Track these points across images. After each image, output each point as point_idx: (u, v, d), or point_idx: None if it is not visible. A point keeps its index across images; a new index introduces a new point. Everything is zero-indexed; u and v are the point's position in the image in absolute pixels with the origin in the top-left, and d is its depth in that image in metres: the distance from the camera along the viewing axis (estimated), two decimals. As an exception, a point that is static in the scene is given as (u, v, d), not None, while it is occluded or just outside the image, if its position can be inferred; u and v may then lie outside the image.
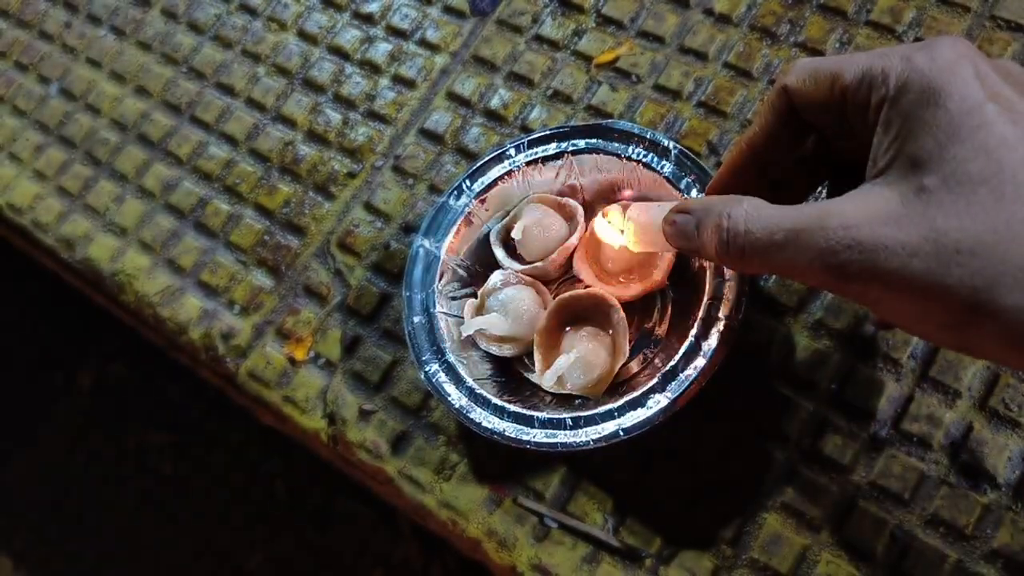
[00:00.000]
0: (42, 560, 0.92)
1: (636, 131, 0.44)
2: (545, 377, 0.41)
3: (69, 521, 0.93)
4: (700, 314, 0.40)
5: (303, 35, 0.61)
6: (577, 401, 0.42)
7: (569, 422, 0.40)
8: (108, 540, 0.91)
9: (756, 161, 0.36)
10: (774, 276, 0.44)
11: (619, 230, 0.41)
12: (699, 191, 0.42)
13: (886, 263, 0.28)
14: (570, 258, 0.45)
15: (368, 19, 0.60)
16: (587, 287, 0.44)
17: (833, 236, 0.28)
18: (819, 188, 0.39)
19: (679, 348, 0.39)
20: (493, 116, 0.54)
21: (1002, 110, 0.27)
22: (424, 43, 0.57)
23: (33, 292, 0.86)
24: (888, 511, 0.39)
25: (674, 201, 0.39)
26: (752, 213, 0.31)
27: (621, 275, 0.44)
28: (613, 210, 0.42)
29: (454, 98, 0.55)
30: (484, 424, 0.41)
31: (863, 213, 0.28)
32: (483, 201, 0.46)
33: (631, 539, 0.42)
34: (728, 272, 0.40)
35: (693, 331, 0.39)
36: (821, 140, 0.36)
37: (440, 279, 0.45)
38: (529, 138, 0.46)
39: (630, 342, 0.43)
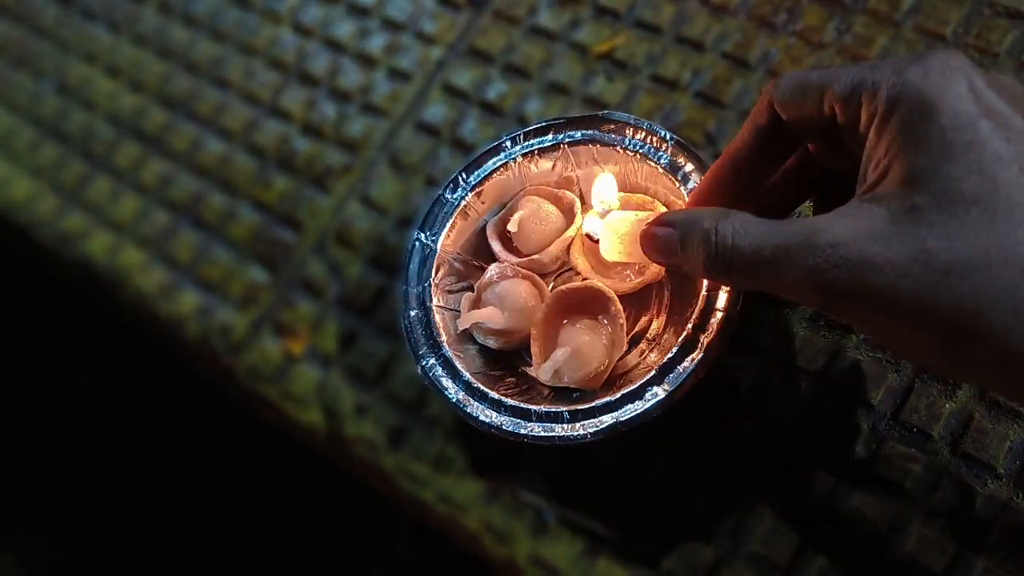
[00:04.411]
0: (43, 555, 0.92)
1: (633, 122, 0.44)
2: (542, 370, 0.41)
3: (68, 516, 0.93)
4: (698, 306, 0.39)
5: (298, 28, 0.60)
6: (575, 394, 0.42)
7: (567, 415, 0.39)
8: (108, 535, 0.91)
9: (740, 174, 0.36)
10: None
11: (594, 240, 0.41)
12: (696, 181, 0.42)
13: (874, 283, 0.27)
14: (567, 250, 0.45)
15: (363, 11, 0.59)
16: (584, 280, 0.44)
17: (821, 254, 0.28)
18: (805, 202, 0.39)
19: (677, 341, 0.39)
20: (489, 108, 0.53)
21: (996, 127, 0.27)
22: (420, 35, 0.57)
23: (29, 289, 0.86)
24: (888, 503, 0.39)
25: (651, 212, 0.39)
26: (739, 228, 0.31)
27: (618, 267, 0.44)
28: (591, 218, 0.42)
29: (450, 90, 0.55)
30: (481, 418, 0.41)
31: (852, 231, 0.28)
32: (479, 194, 0.46)
33: (630, 532, 0.42)
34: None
35: (691, 323, 0.39)
36: (807, 153, 0.36)
37: (437, 273, 0.45)
38: (525, 130, 0.46)
39: (627, 335, 0.43)
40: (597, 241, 0.41)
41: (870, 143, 0.29)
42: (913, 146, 0.27)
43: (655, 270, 0.42)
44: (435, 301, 0.44)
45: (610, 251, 0.39)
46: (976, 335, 0.26)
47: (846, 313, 0.30)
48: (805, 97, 0.31)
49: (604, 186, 0.42)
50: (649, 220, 0.36)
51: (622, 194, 0.43)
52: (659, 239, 0.34)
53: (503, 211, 0.46)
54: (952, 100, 0.27)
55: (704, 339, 0.39)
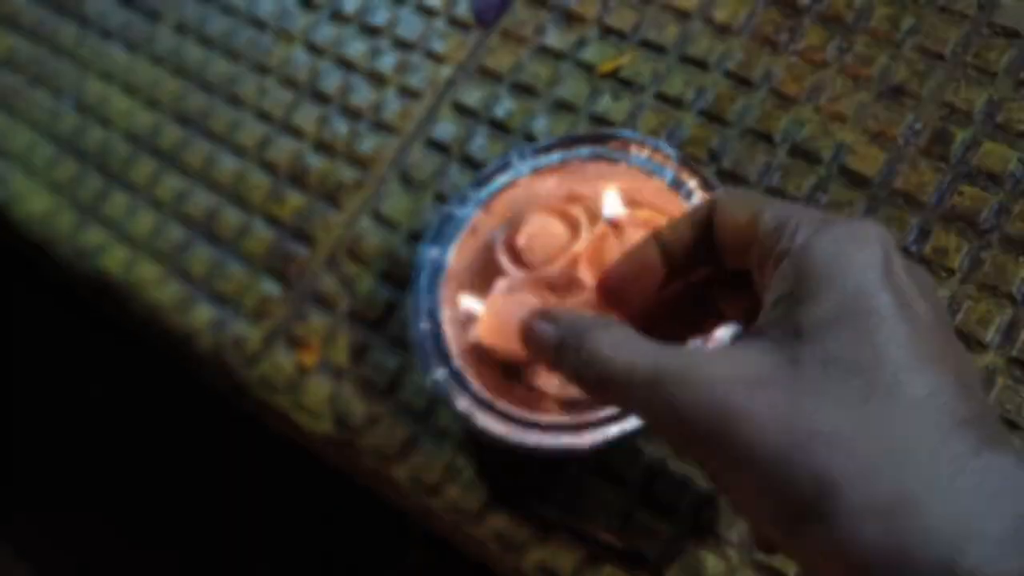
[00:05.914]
0: (50, 556, 0.93)
1: (638, 139, 0.45)
2: (549, 382, 0.42)
3: (77, 523, 0.94)
4: (702, 319, 0.40)
5: (310, 47, 0.62)
6: (581, 405, 0.43)
7: (573, 426, 0.40)
8: (115, 542, 0.92)
9: (659, 257, 0.34)
10: None
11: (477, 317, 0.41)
12: (700, 197, 0.43)
13: (735, 432, 0.25)
14: (574, 265, 0.46)
15: (374, 31, 0.61)
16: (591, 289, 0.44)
17: (690, 391, 0.26)
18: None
19: (681, 352, 0.40)
20: (498, 126, 0.55)
21: (900, 306, 0.26)
22: (430, 54, 0.58)
23: (43, 302, 0.87)
24: (889, 513, 0.40)
25: (536, 302, 0.37)
26: (617, 343, 0.29)
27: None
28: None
29: (459, 108, 0.56)
30: (489, 428, 0.41)
31: (730, 372, 0.26)
32: (488, 210, 0.47)
33: (636, 541, 0.43)
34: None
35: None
36: (708, 292, 0.35)
37: (446, 287, 0.46)
38: (533, 147, 0.47)
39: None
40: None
41: (773, 282, 0.28)
42: (813, 300, 0.26)
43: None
44: (444, 314, 0.45)
45: (486, 333, 0.38)
46: (824, 506, 0.24)
47: (702, 459, 0.28)
48: (739, 210, 0.31)
49: (611, 202, 0.43)
50: (533, 310, 0.34)
51: (626, 209, 0.44)
52: (536, 335, 0.33)
53: (511, 227, 0.47)
54: (862, 267, 0.27)
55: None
